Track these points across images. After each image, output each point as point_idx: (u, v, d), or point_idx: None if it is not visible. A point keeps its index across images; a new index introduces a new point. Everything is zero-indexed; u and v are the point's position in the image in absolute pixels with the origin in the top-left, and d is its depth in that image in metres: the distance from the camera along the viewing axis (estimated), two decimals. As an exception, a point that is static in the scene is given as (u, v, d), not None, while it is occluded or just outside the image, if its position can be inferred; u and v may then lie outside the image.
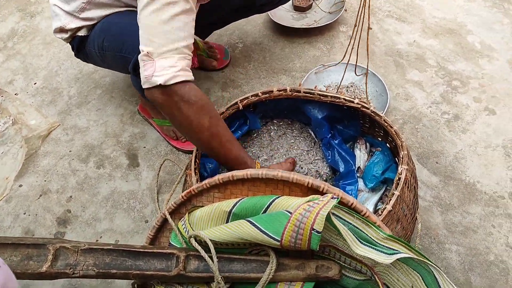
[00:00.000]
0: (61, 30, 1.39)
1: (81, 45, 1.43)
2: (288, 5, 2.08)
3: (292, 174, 0.99)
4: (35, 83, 1.90)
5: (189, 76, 1.11)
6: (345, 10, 2.04)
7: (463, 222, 1.38)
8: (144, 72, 1.08)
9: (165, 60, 1.06)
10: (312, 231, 0.85)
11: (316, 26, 1.96)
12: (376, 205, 1.34)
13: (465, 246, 1.33)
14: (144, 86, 1.10)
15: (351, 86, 1.71)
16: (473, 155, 1.52)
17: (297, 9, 2.09)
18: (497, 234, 1.35)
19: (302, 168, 1.44)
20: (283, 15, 2.07)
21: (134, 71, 1.24)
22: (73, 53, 1.50)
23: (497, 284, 1.26)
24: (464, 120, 1.62)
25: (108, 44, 1.34)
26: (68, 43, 1.46)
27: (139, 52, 1.10)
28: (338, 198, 0.90)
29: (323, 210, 0.86)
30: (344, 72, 1.53)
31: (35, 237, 1.01)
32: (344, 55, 1.45)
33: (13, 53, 2.04)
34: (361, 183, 1.40)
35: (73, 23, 1.37)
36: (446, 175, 1.48)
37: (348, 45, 1.39)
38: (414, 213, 1.22)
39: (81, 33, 1.39)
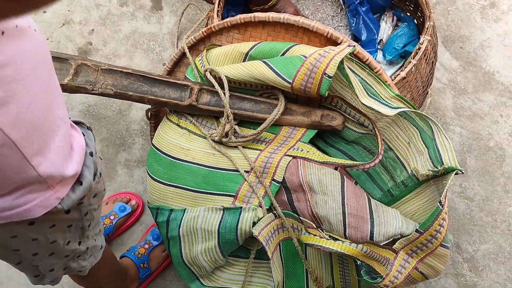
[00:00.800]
0: None
1: None
2: None
3: (313, 22, 0.99)
4: None
5: None
6: None
7: (472, 107, 1.39)
8: None
9: None
10: (324, 76, 0.88)
11: None
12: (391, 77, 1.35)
13: (468, 130, 1.36)
14: None
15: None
16: (500, 45, 1.49)
17: None
18: (503, 124, 1.37)
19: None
20: None
21: None
22: None
23: (490, 167, 1.31)
24: (500, 9, 1.56)
25: None
26: None
27: None
28: (354, 46, 0.91)
29: (338, 56, 0.87)
30: None
31: (58, 52, 1.05)
32: None
33: None
34: (380, 56, 1.40)
35: None
36: (468, 61, 1.47)
37: None
38: (427, 87, 1.24)
39: None
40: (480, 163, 1.32)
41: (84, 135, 0.61)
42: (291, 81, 0.90)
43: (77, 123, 0.62)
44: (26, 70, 0.47)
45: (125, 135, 1.41)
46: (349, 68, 0.92)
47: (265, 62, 0.93)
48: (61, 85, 1.01)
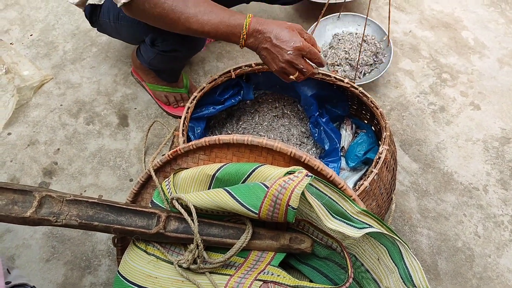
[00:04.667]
0: None
1: (94, 14, 1.41)
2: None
3: (276, 142, 1.02)
4: (31, 35, 1.89)
5: None
6: None
7: (436, 208, 1.43)
8: None
9: None
10: (288, 207, 0.89)
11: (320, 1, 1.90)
12: (356, 183, 1.39)
13: (435, 231, 1.38)
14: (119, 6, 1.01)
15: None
16: (454, 146, 1.57)
17: None
18: (467, 223, 1.40)
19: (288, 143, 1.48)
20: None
21: (152, 42, 1.27)
22: (71, 8, 1.49)
23: (461, 269, 1.32)
24: (449, 113, 1.66)
25: (124, 14, 1.31)
26: (84, 12, 1.45)
27: None
28: (312, 176, 0.92)
29: (298, 187, 0.88)
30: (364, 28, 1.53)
31: (22, 184, 1.04)
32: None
33: (11, 3, 2.02)
34: (343, 162, 1.44)
35: None
36: (426, 163, 1.53)
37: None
38: (390, 194, 1.27)
39: (93, 1, 1.36)
40: (451, 265, 1.32)
41: None
42: (257, 212, 0.91)
43: (20, 285, 0.59)
44: None
45: (90, 257, 1.36)
46: (314, 187, 0.94)
47: (229, 192, 0.93)
48: (23, 217, 0.99)
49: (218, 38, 1.10)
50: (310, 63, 1.08)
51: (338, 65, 1.73)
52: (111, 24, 1.38)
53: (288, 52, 1.03)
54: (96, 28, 1.50)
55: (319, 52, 1.08)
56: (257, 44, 1.06)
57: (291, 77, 1.07)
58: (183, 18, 1.03)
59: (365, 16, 1.60)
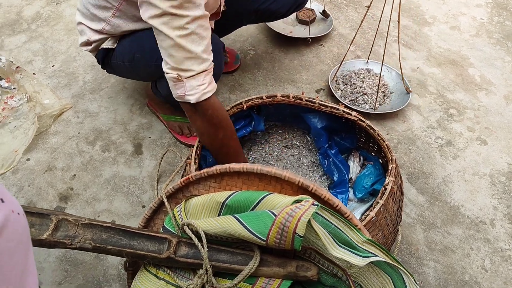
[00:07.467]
0: (87, 43, 1.46)
1: (107, 58, 1.49)
2: (293, 18, 2.21)
3: (285, 172, 1.05)
4: (53, 66, 1.98)
5: (214, 87, 1.22)
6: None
7: (443, 241, 1.44)
8: (176, 91, 1.19)
9: (193, 80, 1.16)
10: (295, 235, 0.92)
11: (313, 36, 2.08)
12: (363, 214, 1.41)
13: (442, 264, 1.39)
14: (177, 100, 1.22)
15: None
16: (461, 180, 1.59)
17: (301, 22, 2.19)
18: (474, 257, 1.41)
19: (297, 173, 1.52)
20: (286, 27, 2.18)
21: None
22: None
23: (468, 303, 1.32)
24: (456, 147, 1.69)
25: (140, 55, 1.40)
26: (94, 57, 1.53)
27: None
28: (318, 205, 0.95)
29: (304, 216, 0.92)
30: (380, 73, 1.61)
31: (40, 208, 1.08)
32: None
33: (36, 35, 2.13)
34: (351, 193, 1.47)
35: (98, 36, 1.43)
36: (433, 196, 1.55)
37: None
38: (396, 225, 1.29)
39: (106, 45, 1.44)
40: (458, 299, 1.33)
41: None
42: (265, 239, 0.94)
43: None
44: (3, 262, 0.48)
45: (101, 281, 1.38)
46: (321, 216, 0.97)
47: (237, 219, 0.97)
48: (40, 240, 1.02)
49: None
50: None
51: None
52: (125, 66, 1.46)
53: None
54: (105, 70, 1.58)
55: None
56: None
57: None
58: (222, 142, 1.31)
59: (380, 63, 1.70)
